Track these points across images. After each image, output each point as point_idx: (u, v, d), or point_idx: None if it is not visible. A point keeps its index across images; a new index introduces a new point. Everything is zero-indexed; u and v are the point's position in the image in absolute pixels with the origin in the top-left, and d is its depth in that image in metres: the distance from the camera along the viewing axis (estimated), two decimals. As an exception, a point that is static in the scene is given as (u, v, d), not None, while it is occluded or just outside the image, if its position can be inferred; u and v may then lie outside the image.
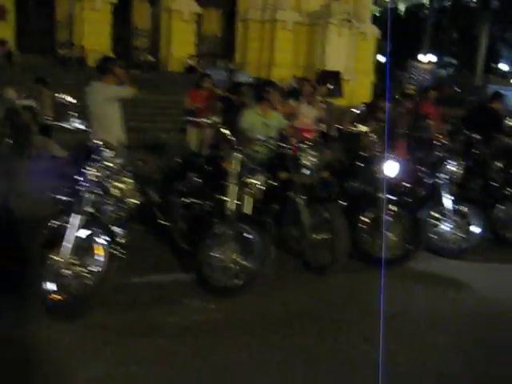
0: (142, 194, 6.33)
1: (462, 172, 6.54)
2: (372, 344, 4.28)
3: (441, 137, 7.91)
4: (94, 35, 22.53)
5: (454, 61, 53.03)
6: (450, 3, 46.50)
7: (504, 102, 9.23)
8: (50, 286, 4.28)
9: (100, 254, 4.34)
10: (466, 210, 6.53)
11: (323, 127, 8.62)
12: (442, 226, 6.53)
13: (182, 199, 5.64)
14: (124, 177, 4.58)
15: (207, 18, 28.33)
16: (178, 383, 3.74)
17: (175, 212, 5.67)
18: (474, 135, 7.57)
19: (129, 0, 26.26)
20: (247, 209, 5.15)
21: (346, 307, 5.06)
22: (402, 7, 51.30)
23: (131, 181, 4.58)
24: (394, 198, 6.02)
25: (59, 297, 4.27)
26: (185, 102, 9.84)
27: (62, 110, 4.93)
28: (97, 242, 4.36)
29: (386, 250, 5.81)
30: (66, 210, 4.46)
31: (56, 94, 4.99)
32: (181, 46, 24.77)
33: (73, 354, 3.93)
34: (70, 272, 4.28)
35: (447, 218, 6.49)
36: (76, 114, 4.73)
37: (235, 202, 4.99)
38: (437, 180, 6.54)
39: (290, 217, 5.76)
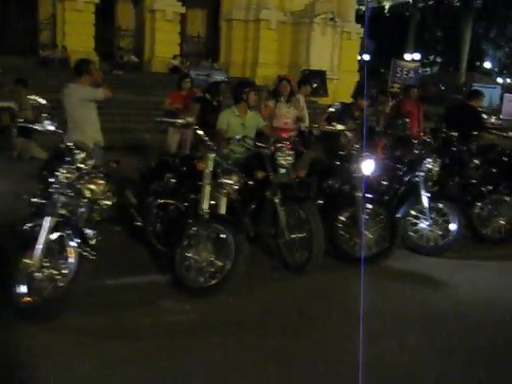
0: (118, 195, 6.35)
1: (438, 169, 6.56)
2: (346, 342, 4.30)
3: (422, 134, 7.99)
4: (77, 36, 22.41)
5: (438, 59, 53.40)
6: (433, 2, 46.74)
7: (482, 99, 9.27)
8: (23, 289, 4.26)
9: (72, 256, 4.31)
10: (443, 207, 6.56)
11: (304, 126, 8.62)
12: (420, 224, 6.56)
13: (158, 200, 5.62)
14: (96, 178, 4.54)
15: (191, 18, 28.31)
16: (151, 385, 3.72)
17: (151, 213, 5.65)
18: (452, 133, 7.60)
19: (112, 0, 26.17)
20: (221, 209, 5.14)
21: (321, 306, 5.05)
22: (386, 6, 51.53)
23: (103, 182, 4.54)
24: (371, 196, 6.04)
25: (31, 299, 4.24)
26: (164, 103, 9.81)
27: (36, 112, 4.91)
28: (68, 244, 4.34)
29: (363, 248, 5.84)
30: (38, 213, 4.46)
31: (28, 96, 4.96)
32: (165, 47, 24.68)
33: (45, 356, 3.89)
34: (41, 275, 4.26)
35: (425, 216, 6.50)
36: (48, 116, 4.70)
37: (209, 202, 4.98)
38: (415, 178, 6.56)
39: (266, 216, 5.77)
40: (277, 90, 8.33)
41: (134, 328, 4.40)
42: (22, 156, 11.08)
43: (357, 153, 6.13)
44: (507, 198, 7.13)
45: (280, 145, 5.79)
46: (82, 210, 4.66)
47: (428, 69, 53.09)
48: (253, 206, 5.88)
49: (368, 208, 6.01)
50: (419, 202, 6.48)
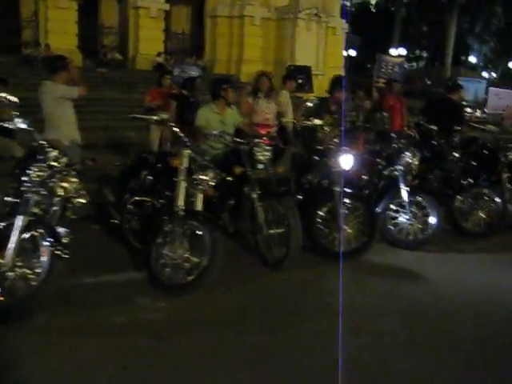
0: (97, 193, 6.32)
1: (417, 163, 6.56)
2: (325, 338, 4.28)
3: (406, 129, 7.99)
4: (60, 34, 22.27)
5: (424, 54, 53.60)
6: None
7: (462, 92, 9.29)
8: (-6, 288, 4.21)
9: (44, 254, 4.27)
10: (423, 201, 6.56)
11: (285, 122, 8.58)
12: (400, 218, 6.56)
13: (134, 197, 5.58)
14: (69, 176, 4.49)
15: (175, 15, 28.21)
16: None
17: (127, 210, 5.61)
18: (432, 126, 7.60)
19: (96, -3, 26.07)
20: (198, 205, 5.11)
21: (299, 302, 5.03)
22: (372, 1, 51.57)
23: (76, 180, 4.50)
24: (349, 190, 6.03)
25: (3, 299, 4.18)
26: (145, 100, 9.77)
27: (6, 110, 4.85)
28: (41, 243, 4.30)
29: (342, 243, 5.83)
30: (11, 212, 4.40)
31: (-1, 94, 4.89)
32: (149, 44, 24.58)
33: (14, 355, 3.85)
34: (14, 274, 4.20)
35: (404, 210, 6.50)
36: (18, 114, 4.65)
37: (184, 198, 4.94)
38: (394, 172, 6.55)
39: (245, 212, 5.76)
40: (256, 86, 8.30)
41: (109, 326, 4.36)
42: (2, 156, 10.94)
43: (335, 147, 6.11)
44: (487, 191, 7.15)
45: (257, 140, 5.77)
46: (55, 208, 4.61)
47: (414, 63, 53.27)
48: (231, 202, 5.87)
49: (347, 203, 6.00)
50: (399, 195, 6.48)
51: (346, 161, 6.02)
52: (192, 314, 4.67)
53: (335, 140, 6.16)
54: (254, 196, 5.54)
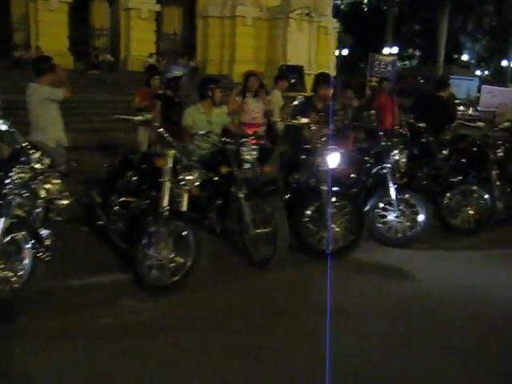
0: (84, 194, 6.29)
1: (405, 161, 6.54)
2: (312, 338, 4.27)
3: (398, 127, 7.97)
4: (51, 36, 22.18)
5: (417, 52, 53.71)
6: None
7: (450, 88, 9.29)
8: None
9: (26, 257, 4.24)
10: (411, 198, 6.54)
11: (273, 121, 8.57)
12: (388, 216, 6.54)
13: (119, 198, 5.55)
14: (52, 177, 4.45)
15: (167, 16, 28.19)
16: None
17: (112, 211, 5.58)
18: (420, 124, 7.58)
19: (87, -1, 26.01)
20: (183, 205, 5.09)
21: (286, 301, 5.01)
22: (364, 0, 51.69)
23: (59, 181, 4.46)
24: (337, 189, 6.00)
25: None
26: (134, 101, 9.72)
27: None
28: (23, 245, 4.27)
29: (330, 241, 5.81)
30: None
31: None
32: (140, 45, 24.56)
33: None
34: (-5, 276, 4.18)
35: (393, 208, 6.48)
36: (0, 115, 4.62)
37: (169, 199, 4.92)
38: (382, 170, 6.53)
39: (232, 212, 5.73)
40: (245, 85, 8.28)
41: (95, 328, 4.34)
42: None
43: (322, 146, 6.09)
44: (476, 188, 7.14)
45: (244, 140, 5.75)
46: (38, 210, 4.57)
47: (407, 62, 53.39)
48: (219, 202, 5.84)
49: (334, 201, 5.97)
50: (387, 193, 6.46)
51: (334, 159, 5.99)
52: (178, 315, 4.65)
53: (323, 138, 6.13)
54: (241, 195, 5.51)
